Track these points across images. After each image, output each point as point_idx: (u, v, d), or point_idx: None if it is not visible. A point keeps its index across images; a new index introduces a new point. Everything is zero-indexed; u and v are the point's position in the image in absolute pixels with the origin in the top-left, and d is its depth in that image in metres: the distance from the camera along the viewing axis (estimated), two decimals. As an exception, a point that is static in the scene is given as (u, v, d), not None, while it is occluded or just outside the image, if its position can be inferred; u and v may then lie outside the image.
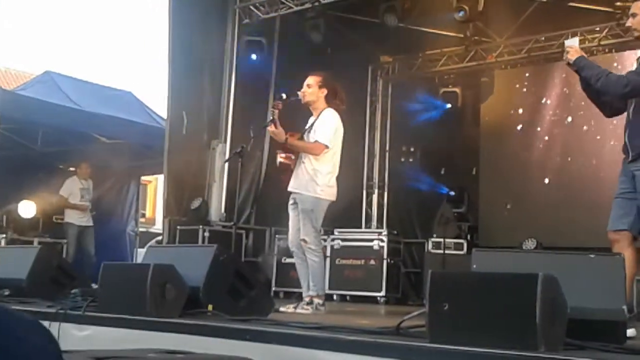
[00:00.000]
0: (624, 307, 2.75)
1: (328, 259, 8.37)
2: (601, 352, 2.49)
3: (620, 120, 4.31)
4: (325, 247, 7.80)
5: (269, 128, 5.42)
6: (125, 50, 35.42)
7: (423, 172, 10.60)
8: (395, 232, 9.45)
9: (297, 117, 5.76)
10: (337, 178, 5.50)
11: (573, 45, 4.34)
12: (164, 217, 8.97)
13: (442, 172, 10.50)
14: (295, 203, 5.49)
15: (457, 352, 2.41)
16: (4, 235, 9.26)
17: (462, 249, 9.03)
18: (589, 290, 2.79)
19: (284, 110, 5.44)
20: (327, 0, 8.62)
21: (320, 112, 5.50)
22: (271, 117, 5.39)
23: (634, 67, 4.23)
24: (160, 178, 15.69)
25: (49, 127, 9.46)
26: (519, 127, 9.89)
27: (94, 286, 4.37)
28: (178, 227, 8.71)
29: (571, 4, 8.61)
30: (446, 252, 8.96)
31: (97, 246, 9.77)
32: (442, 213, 9.95)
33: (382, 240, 8.67)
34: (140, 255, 10.76)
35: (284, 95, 5.51)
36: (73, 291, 4.11)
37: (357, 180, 10.73)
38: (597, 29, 8.96)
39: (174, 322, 3.37)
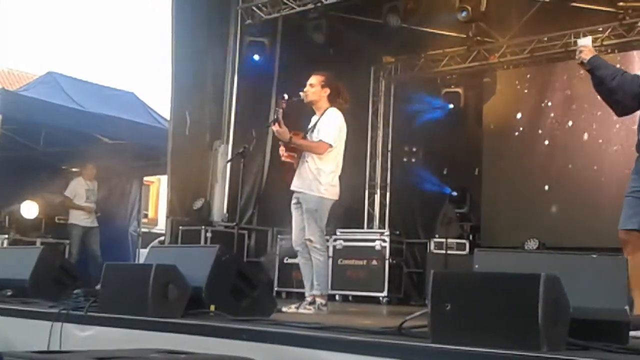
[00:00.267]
0: (627, 307, 2.74)
1: (330, 259, 8.36)
2: (604, 352, 2.49)
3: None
4: (327, 247, 7.79)
5: (273, 127, 5.41)
6: (128, 51, 35.53)
7: (425, 173, 10.59)
8: (398, 232, 9.46)
9: (300, 117, 5.76)
10: (340, 178, 5.50)
11: (587, 44, 4.34)
12: (167, 217, 8.99)
13: (445, 172, 10.48)
14: (298, 202, 5.49)
15: (460, 352, 2.41)
16: (7, 236, 9.27)
17: (464, 249, 9.03)
18: (592, 290, 2.78)
19: (287, 109, 5.45)
20: (330, 1, 8.62)
21: (324, 111, 5.50)
22: (275, 116, 5.37)
23: None
24: (163, 179, 15.73)
25: (51, 127, 9.46)
26: (521, 127, 9.87)
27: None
28: (180, 227, 8.73)
29: (574, 4, 8.60)
30: (448, 252, 8.97)
31: (100, 247, 9.78)
32: (444, 213, 9.96)
33: (384, 241, 8.67)
34: (142, 255, 10.77)
35: (286, 95, 5.51)
36: (75, 291, 4.11)
37: (359, 180, 10.74)
38: (600, 29, 8.95)
39: (176, 323, 3.37)
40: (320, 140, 5.38)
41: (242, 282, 3.93)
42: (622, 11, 8.74)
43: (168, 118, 9.20)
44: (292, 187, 5.51)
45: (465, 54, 10.26)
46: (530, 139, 9.71)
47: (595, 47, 9.05)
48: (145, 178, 13.53)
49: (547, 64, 9.78)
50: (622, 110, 4.35)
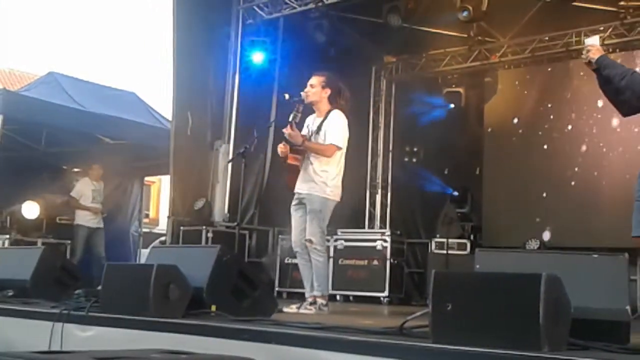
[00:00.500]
0: (627, 307, 2.75)
1: (331, 260, 8.37)
2: (604, 352, 2.49)
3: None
4: (328, 247, 7.80)
5: (285, 130, 5.37)
6: (129, 51, 35.54)
7: (426, 172, 10.58)
8: (399, 232, 9.46)
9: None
10: (341, 178, 5.51)
11: (594, 44, 4.32)
12: (168, 217, 8.99)
13: (446, 172, 10.48)
14: (300, 204, 5.48)
15: (461, 352, 2.41)
16: (8, 236, 9.26)
17: (465, 249, 9.02)
18: (592, 290, 2.79)
19: (286, 109, 5.44)
20: (331, 1, 8.62)
21: (327, 113, 5.50)
22: (290, 119, 5.33)
23: None
24: (164, 179, 15.74)
25: (52, 127, 9.47)
26: (522, 127, 9.86)
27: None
28: (181, 227, 8.73)
29: (575, 3, 8.59)
30: (449, 252, 8.97)
31: (102, 247, 9.79)
32: (445, 213, 9.95)
33: (385, 241, 8.67)
34: (143, 255, 10.78)
35: (287, 96, 5.50)
36: (76, 292, 4.12)
37: (360, 180, 10.73)
38: (601, 28, 8.94)
39: (177, 323, 3.37)
40: (331, 143, 5.39)
41: (243, 282, 3.94)
42: (623, 10, 8.74)
43: (169, 118, 9.21)
44: (296, 189, 5.50)
45: (467, 54, 10.26)
46: (532, 138, 9.70)
47: (596, 46, 9.09)
48: (146, 178, 13.53)
49: (548, 63, 9.77)
50: (628, 110, 4.33)
